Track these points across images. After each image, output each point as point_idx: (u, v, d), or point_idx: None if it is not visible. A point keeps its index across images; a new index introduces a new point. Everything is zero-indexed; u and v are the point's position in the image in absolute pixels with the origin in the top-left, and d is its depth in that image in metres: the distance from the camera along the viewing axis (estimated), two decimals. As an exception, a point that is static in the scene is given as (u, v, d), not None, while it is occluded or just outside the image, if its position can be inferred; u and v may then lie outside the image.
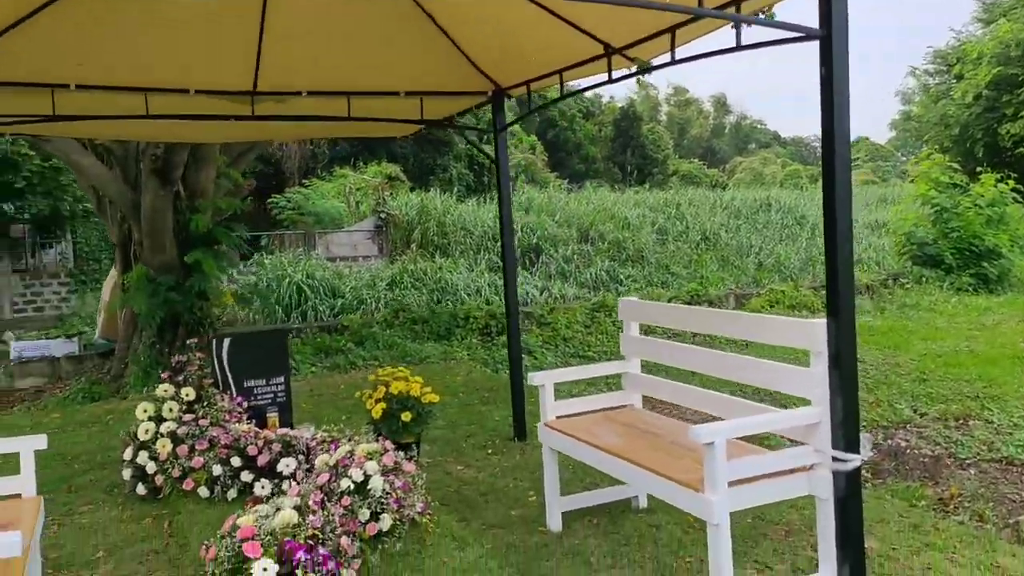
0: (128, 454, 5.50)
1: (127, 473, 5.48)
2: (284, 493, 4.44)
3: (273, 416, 6.01)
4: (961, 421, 6.83)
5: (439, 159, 29.03)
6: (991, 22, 28.29)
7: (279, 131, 7.92)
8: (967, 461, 5.89)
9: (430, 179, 27.12)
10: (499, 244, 8.41)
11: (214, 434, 5.39)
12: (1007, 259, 16.21)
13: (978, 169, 19.66)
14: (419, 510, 4.50)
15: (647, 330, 10.08)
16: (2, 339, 13.00)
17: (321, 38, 5.77)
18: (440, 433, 6.71)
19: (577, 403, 4.90)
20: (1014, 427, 6.52)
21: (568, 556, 4.24)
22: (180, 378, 5.76)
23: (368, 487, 4.34)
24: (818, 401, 3.50)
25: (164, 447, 5.38)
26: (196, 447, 5.33)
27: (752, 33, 4.07)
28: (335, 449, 4.79)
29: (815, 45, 3.40)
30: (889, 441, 6.43)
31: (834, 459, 3.44)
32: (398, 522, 4.35)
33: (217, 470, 5.23)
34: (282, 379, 6.17)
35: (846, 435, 3.44)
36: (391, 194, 20.93)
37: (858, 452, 3.45)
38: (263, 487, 5.13)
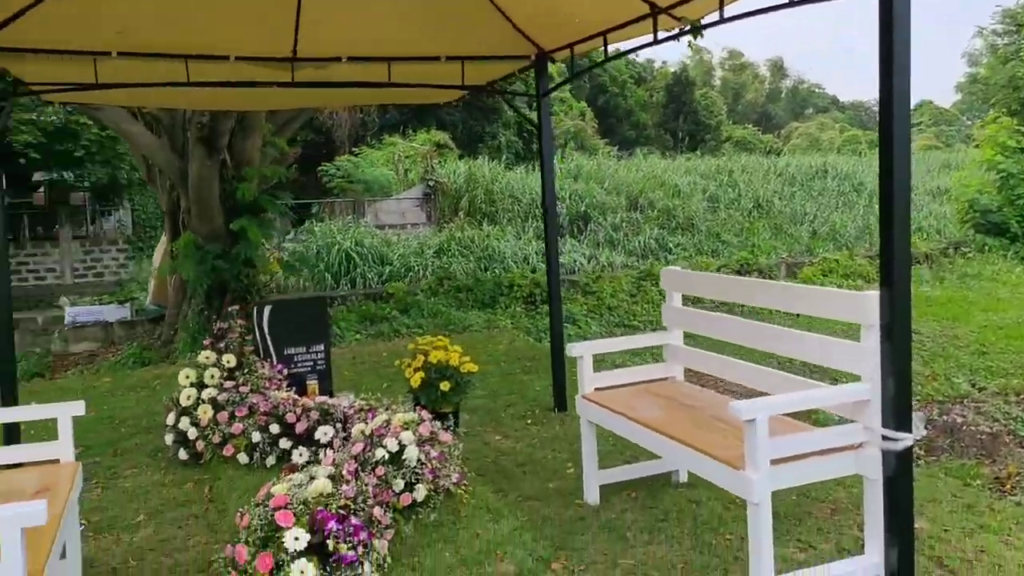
0: (171, 419, 5.56)
1: (169, 438, 5.54)
2: (320, 462, 4.42)
3: (313, 384, 6.01)
4: (1022, 396, 6.55)
5: (488, 126, 28.87)
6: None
7: (320, 98, 7.87)
8: (1027, 439, 5.64)
9: (479, 146, 27.00)
10: (544, 212, 8.27)
11: (254, 401, 5.41)
12: (1077, 228, 15.56)
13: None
14: (454, 481, 4.46)
15: (695, 301, 9.90)
16: (57, 304, 13.31)
17: (360, 3, 5.66)
18: (480, 402, 6.66)
19: (617, 375, 4.79)
20: (1079, 404, 6.23)
21: (604, 530, 4.16)
22: (221, 345, 5.79)
23: (403, 457, 4.30)
24: (868, 377, 3.33)
25: (205, 413, 5.42)
26: (236, 414, 5.35)
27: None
28: (372, 418, 4.76)
29: (875, 2, 3.18)
30: (944, 417, 6.20)
31: (884, 438, 3.28)
32: (433, 492, 4.31)
33: (256, 437, 5.25)
34: (322, 347, 6.16)
35: (897, 413, 3.27)
36: (440, 162, 20.87)
37: (910, 431, 3.28)
38: (301, 454, 5.13)
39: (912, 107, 3.32)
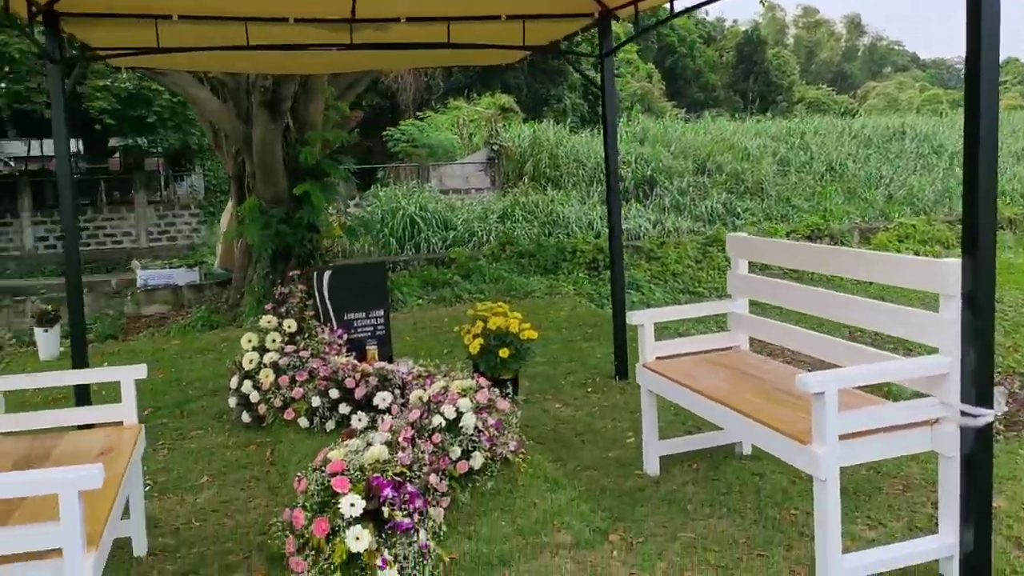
0: (234, 383, 5.63)
1: (233, 401, 5.62)
2: (379, 428, 4.41)
3: (372, 349, 6.02)
4: (1112, 370, 6.20)
5: (553, 89, 28.52)
6: None
7: (380, 60, 7.80)
8: (1118, 415, 5.34)
9: (543, 110, 26.72)
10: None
11: (314, 366, 5.43)
12: None
13: None
14: (512, 449, 4.40)
15: (762, 268, 9.62)
16: (129, 267, 13.67)
17: (418, -39, 5.56)
18: (540, 369, 6.59)
19: (680, 343, 4.67)
20: None
21: (664, 502, 4.06)
22: (283, 309, 5.82)
23: (460, 424, 4.26)
24: (947, 349, 3.14)
25: (267, 377, 5.47)
26: (296, 378, 5.39)
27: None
28: (430, 384, 4.73)
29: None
30: (1027, 390, 5.90)
31: (963, 414, 3.09)
32: (490, 461, 4.27)
33: (316, 401, 5.28)
34: (381, 312, 6.15)
35: (978, 387, 3.08)
36: (504, 125, 20.72)
37: (990, 406, 3.09)
38: (359, 420, 5.14)
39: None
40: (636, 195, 16.47)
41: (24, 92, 16.52)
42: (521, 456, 4.42)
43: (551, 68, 27.50)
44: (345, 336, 5.93)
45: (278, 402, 5.38)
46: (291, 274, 6.18)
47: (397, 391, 5.26)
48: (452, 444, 4.17)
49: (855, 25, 70.10)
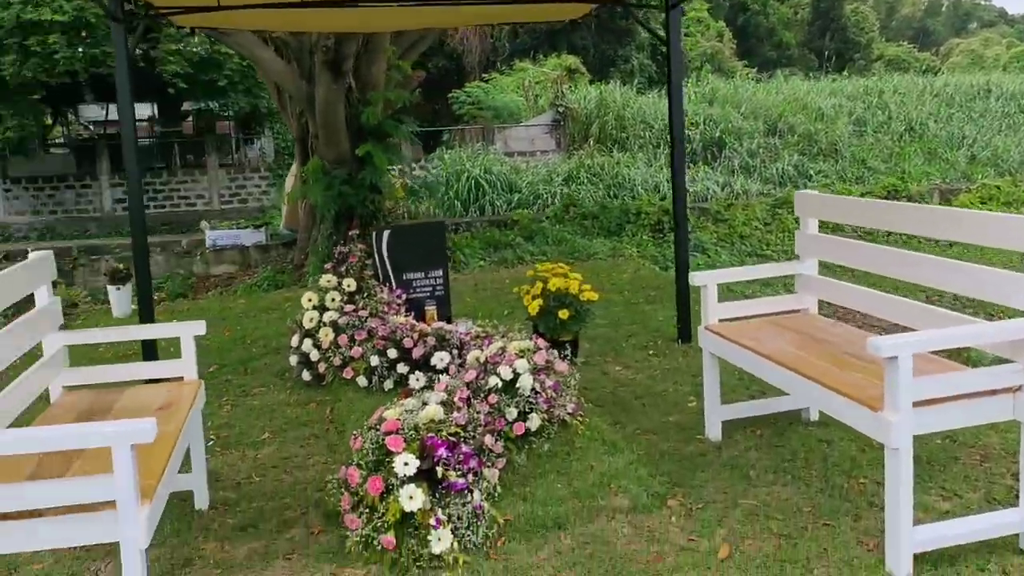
0: (295, 341, 5.67)
1: (294, 359, 5.66)
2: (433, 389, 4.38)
3: (431, 309, 5.98)
4: None
5: (620, 49, 27.98)
6: None
7: (441, 17, 7.67)
8: None
9: (610, 71, 26.25)
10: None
11: (372, 325, 5.43)
12: None
13: None
14: (570, 411, 4.33)
15: (833, 229, 9.29)
16: (199, 227, 13.95)
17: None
18: (601, 332, 6.48)
19: (744, 305, 4.52)
20: None
21: (726, 468, 3.94)
22: (342, 269, 5.83)
23: (517, 386, 4.20)
24: (1032, 312, 2.94)
25: (326, 336, 5.49)
26: (355, 337, 5.39)
27: None
28: (488, 345, 4.67)
29: None
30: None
31: (1048, 381, 2.90)
32: (547, 422, 4.20)
33: (375, 361, 5.27)
34: (440, 272, 6.11)
35: (1066, 353, 2.88)
36: (570, 87, 20.42)
37: (1080, 374, 2.89)
38: (417, 379, 5.12)
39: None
40: (704, 157, 16.09)
41: (100, 56, 16.84)
42: (579, 419, 4.34)
43: (618, 28, 26.96)
44: (404, 296, 5.91)
45: (337, 361, 5.40)
46: (351, 234, 6.17)
47: (455, 351, 5.22)
48: (508, 405, 4.11)
49: (939, -21, 67.03)
